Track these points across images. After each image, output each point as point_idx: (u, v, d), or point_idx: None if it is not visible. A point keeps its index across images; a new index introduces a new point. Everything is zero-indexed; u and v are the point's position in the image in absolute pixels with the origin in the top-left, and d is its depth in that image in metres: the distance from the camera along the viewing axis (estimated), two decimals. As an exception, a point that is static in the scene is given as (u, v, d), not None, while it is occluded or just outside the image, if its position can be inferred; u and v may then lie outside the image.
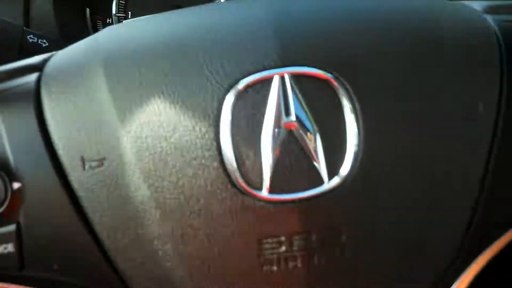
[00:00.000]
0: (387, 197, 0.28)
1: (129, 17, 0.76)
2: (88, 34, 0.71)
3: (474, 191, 0.29)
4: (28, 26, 0.63)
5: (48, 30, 0.63)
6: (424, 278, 0.31)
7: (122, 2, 0.75)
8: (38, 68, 0.30)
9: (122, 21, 0.77)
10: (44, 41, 0.49)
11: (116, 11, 0.75)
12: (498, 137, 0.29)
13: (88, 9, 0.73)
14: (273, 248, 0.28)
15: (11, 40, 0.45)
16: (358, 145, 0.27)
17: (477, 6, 0.33)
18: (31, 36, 0.48)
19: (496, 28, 0.30)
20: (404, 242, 0.29)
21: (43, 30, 0.63)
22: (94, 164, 0.28)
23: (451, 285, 0.32)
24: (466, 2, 0.34)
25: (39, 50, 0.47)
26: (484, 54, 0.29)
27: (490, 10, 0.32)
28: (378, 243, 0.29)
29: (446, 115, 0.28)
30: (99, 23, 0.75)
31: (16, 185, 0.28)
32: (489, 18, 0.31)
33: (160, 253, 0.28)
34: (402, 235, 0.29)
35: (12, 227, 0.29)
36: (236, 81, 0.27)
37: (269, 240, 0.28)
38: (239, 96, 0.27)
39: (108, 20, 0.76)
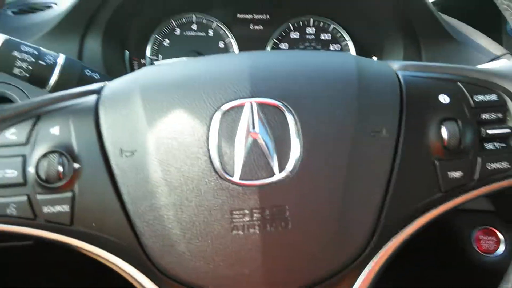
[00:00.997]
0: (318, 187, 0.38)
1: (160, 59, 0.88)
2: (126, 72, 0.84)
3: (382, 188, 0.39)
4: None
5: (96, 68, 0.70)
6: (347, 253, 0.39)
7: (154, 47, 0.88)
8: (97, 92, 0.42)
9: (154, 63, 0.88)
10: (97, 74, 0.59)
11: (150, 54, 0.88)
12: (399, 148, 0.40)
13: (127, 51, 0.84)
14: (240, 218, 0.38)
15: (73, 72, 0.56)
16: (299, 150, 0.38)
17: (395, 64, 0.44)
18: (88, 70, 0.58)
19: (402, 80, 0.42)
20: (330, 221, 0.38)
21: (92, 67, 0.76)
22: (128, 153, 0.39)
23: (369, 260, 0.40)
24: (388, 62, 0.46)
25: (93, 81, 0.56)
26: (390, 97, 0.41)
27: (402, 68, 0.44)
28: (312, 220, 0.38)
29: (358, 133, 0.39)
30: (135, 63, 0.87)
31: (76, 165, 0.39)
32: (399, 73, 0.43)
33: (165, 217, 0.38)
34: (329, 216, 0.38)
35: (69, 194, 0.38)
36: (222, 105, 0.39)
37: (238, 212, 0.38)
38: (223, 115, 0.38)
39: (142, 61, 0.88)
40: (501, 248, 0.78)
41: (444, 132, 0.40)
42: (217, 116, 0.38)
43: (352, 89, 0.40)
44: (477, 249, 0.79)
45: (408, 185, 0.40)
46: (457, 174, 0.41)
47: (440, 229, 0.80)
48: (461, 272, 0.87)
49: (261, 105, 0.39)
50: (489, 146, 0.42)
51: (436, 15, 0.75)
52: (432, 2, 0.89)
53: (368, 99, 0.40)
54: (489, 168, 0.41)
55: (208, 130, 0.38)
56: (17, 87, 0.71)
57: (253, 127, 0.38)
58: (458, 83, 0.43)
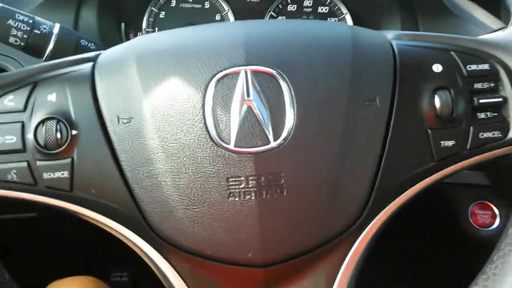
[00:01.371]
0: (312, 155, 0.39)
1: (156, 32, 0.87)
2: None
3: (375, 156, 0.40)
4: None
5: (91, 38, 0.70)
6: (341, 220, 0.40)
7: (150, 20, 0.87)
8: (93, 59, 0.42)
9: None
10: (92, 44, 0.59)
11: (145, 27, 0.87)
12: (393, 117, 0.40)
13: (123, 24, 0.84)
14: (236, 185, 0.38)
15: (69, 42, 0.56)
16: (293, 117, 0.38)
17: (389, 33, 0.45)
18: (83, 40, 0.59)
19: (396, 49, 0.42)
20: (325, 188, 0.39)
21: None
22: (125, 120, 0.39)
23: (364, 228, 0.41)
24: (383, 31, 0.46)
25: (88, 51, 0.58)
26: (384, 66, 0.41)
27: (396, 37, 0.44)
28: (307, 187, 0.39)
29: (352, 101, 0.39)
30: (131, 36, 0.86)
31: (74, 132, 0.39)
32: (393, 42, 0.43)
33: (162, 183, 0.39)
34: (323, 183, 0.39)
35: (68, 160, 0.39)
36: (217, 72, 0.39)
37: (234, 179, 0.38)
38: (218, 82, 0.39)
39: (138, 34, 0.87)
40: (497, 222, 0.80)
41: (437, 101, 0.41)
42: (212, 83, 0.39)
43: (346, 57, 0.40)
44: (473, 223, 0.81)
45: (401, 154, 0.41)
46: (449, 143, 0.41)
47: (437, 203, 0.81)
48: (457, 245, 0.89)
49: (255, 73, 0.39)
50: (481, 115, 0.42)
51: None
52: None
53: (362, 68, 0.40)
54: (481, 137, 0.42)
55: (204, 98, 0.39)
56: (13, 58, 0.71)
57: (248, 95, 0.39)
58: (452, 53, 0.43)
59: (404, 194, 0.42)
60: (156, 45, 0.43)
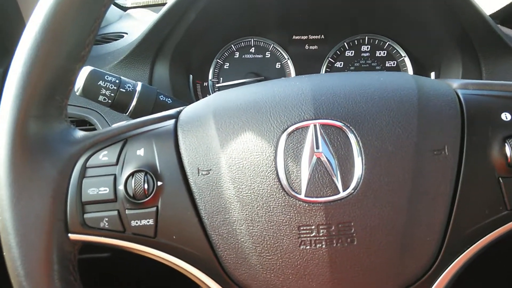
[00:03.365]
0: (381, 205, 0.40)
1: (221, 81, 0.94)
2: (190, 93, 0.90)
3: (446, 206, 0.40)
4: None
5: (164, 90, 0.76)
6: (412, 270, 0.40)
7: (216, 70, 0.94)
8: (175, 116, 0.46)
9: (215, 85, 0.94)
10: (169, 99, 0.65)
11: (211, 77, 0.94)
12: (463, 166, 0.40)
13: (191, 75, 0.91)
14: (307, 234, 0.40)
15: (149, 98, 0.62)
16: (362, 169, 0.40)
17: (454, 82, 0.45)
18: (162, 96, 0.64)
19: (462, 98, 0.43)
20: (395, 238, 0.40)
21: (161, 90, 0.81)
22: (204, 172, 0.42)
23: (435, 279, 0.41)
24: (447, 80, 0.46)
25: (166, 105, 0.64)
26: (451, 115, 0.41)
27: (462, 86, 0.44)
28: (376, 237, 0.40)
29: (420, 151, 0.40)
30: (198, 85, 0.93)
31: (159, 183, 0.42)
32: (459, 91, 0.44)
33: (237, 231, 0.41)
34: (394, 234, 0.40)
35: (153, 209, 0.42)
36: (288, 127, 0.41)
37: (305, 228, 0.40)
38: (289, 136, 0.41)
39: (205, 84, 0.94)
40: None
41: (508, 150, 0.41)
42: (283, 137, 0.41)
43: (412, 108, 0.42)
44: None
45: (473, 203, 0.41)
46: None
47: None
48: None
49: (324, 126, 0.41)
50: None
51: (494, 28, 0.74)
52: (491, 15, 0.88)
53: (428, 118, 0.41)
54: None
55: (276, 150, 0.41)
56: (95, 111, 0.78)
57: (317, 147, 0.41)
58: None
59: (476, 243, 0.41)
60: (231, 103, 0.46)
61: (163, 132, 0.45)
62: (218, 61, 0.94)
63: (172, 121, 0.46)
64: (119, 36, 0.97)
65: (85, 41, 0.43)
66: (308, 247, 0.40)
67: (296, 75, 0.93)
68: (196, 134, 0.44)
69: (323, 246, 0.40)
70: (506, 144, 0.41)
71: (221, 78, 0.95)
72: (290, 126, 0.42)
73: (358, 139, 0.40)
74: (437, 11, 0.76)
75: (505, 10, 0.89)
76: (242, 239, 0.41)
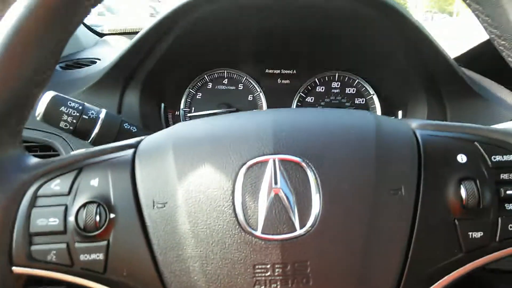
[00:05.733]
0: (338, 244, 0.39)
1: (193, 111, 0.94)
2: (160, 122, 0.89)
3: (402, 247, 0.40)
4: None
5: (133, 119, 0.78)
6: None
7: (188, 100, 0.94)
8: (135, 146, 0.45)
9: (187, 114, 0.94)
10: (134, 127, 0.64)
11: (183, 107, 0.94)
12: (419, 207, 0.40)
13: (163, 104, 0.90)
14: (262, 273, 0.39)
15: (113, 126, 0.61)
16: (319, 206, 0.39)
17: (413, 122, 0.46)
18: (126, 124, 0.63)
19: (420, 139, 0.43)
20: (351, 279, 0.39)
21: (129, 119, 0.75)
22: (160, 205, 0.41)
23: None
24: (407, 120, 0.47)
25: (130, 133, 0.63)
26: (409, 155, 0.42)
27: (420, 126, 0.45)
28: (333, 277, 0.39)
29: (377, 190, 0.40)
30: (170, 115, 0.93)
31: (112, 215, 0.41)
32: (417, 132, 0.44)
33: (191, 268, 0.39)
34: (350, 274, 0.39)
35: (104, 243, 0.40)
36: (247, 161, 0.41)
37: (260, 266, 0.39)
38: (248, 170, 0.40)
39: (177, 113, 0.94)
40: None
41: (463, 192, 0.41)
42: (242, 171, 0.41)
43: (370, 147, 0.42)
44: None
45: (429, 245, 0.40)
46: (478, 234, 0.41)
47: None
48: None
49: (283, 162, 0.41)
50: (509, 206, 0.42)
51: (457, 71, 0.76)
52: (456, 58, 0.91)
53: (386, 157, 0.41)
54: (510, 229, 0.41)
55: (234, 185, 0.40)
56: (60, 136, 0.76)
57: (276, 183, 0.40)
58: (476, 143, 0.43)
59: (433, 286, 0.41)
60: (191, 134, 0.45)
61: (120, 162, 0.44)
62: (190, 91, 0.95)
63: (131, 151, 0.45)
64: (92, 62, 0.96)
65: (46, 66, 0.42)
66: (263, 287, 0.39)
67: (268, 108, 0.94)
68: (153, 165, 0.43)
69: (278, 287, 0.39)
70: (461, 186, 0.41)
71: (193, 108, 0.95)
72: (249, 160, 0.41)
73: (317, 176, 0.40)
74: (404, 52, 0.79)
75: (469, 54, 0.93)
76: (196, 277, 0.40)
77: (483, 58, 0.91)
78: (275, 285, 0.39)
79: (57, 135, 0.77)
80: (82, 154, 0.45)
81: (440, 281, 0.41)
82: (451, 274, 0.41)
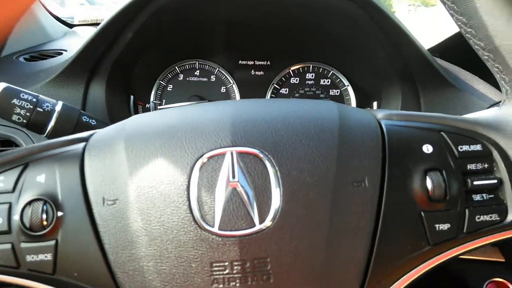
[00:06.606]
0: (299, 239, 0.37)
1: (163, 104, 0.91)
2: (130, 116, 0.86)
3: (367, 240, 0.38)
4: (84, 109, 0.76)
5: (99, 112, 0.76)
6: None
7: (158, 92, 0.91)
8: (86, 139, 0.42)
9: (157, 107, 0.91)
10: (94, 120, 0.61)
11: (153, 99, 0.91)
12: (384, 199, 0.39)
13: (132, 96, 0.87)
14: (220, 271, 0.37)
15: (70, 119, 0.58)
16: (279, 200, 0.37)
17: (379, 113, 0.44)
18: (85, 117, 0.60)
19: (385, 129, 0.41)
20: (314, 276, 0.37)
21: (95, 112, 0.75)
22: (110, 202, 0.38)
23: None
24: (372, 110, 0.45)
25: (89, 127, 0.60)
26: (372, 146, 0.40)
27: (386, 117, 0.43)
28: (294, 274, 0.37)
29: (339, 182, 0.38)
30: (140, 107, 0.90)
31: (60, 213, 0.38)
32: (382, 122, 0.42)
33: (145, 268, 0.37)
34: (312, 271, 0.37)
35: (52, 242, 0.38)
36: (203, 154, 0.38)
37: (218, 264, 0.37)
38: (204, 164, 0.38)
39: (147, 106, 0.90)
40: (514, 301, 0.75)
41: (429, 183, 0.40)
42: (198, 165, 0.38)
43: (332, 138, 0.40)
44: (489, 302, 0.76)
45: (394, 237, 0.39)
46: (445, 226, 0.40)
47: (450, 280, 0.77)
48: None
49: (241, 154, 0.39)
50: (477, 197, 0.41)
51: (431, 62, 0.75)
52: (430, 49, 0.90)
53: (349, 148, 0.40)
54: (477, 220, 0.40)
55: (189, 179, 0.38)
56: (21, 130, 0.73)
57: (233, 176, 0.38)
58: (442, 133, 0.42)
59: (399, 280, 0.40)
60: (145, 126, 0.43)
61: (69, 156, 0.41)
62: (161, 83, 0.92)
63: (81, 145, 0.42)
64: (58, 53, 0.92)
65: None
66: (221, 285, 0.37)
67: None
68: (104, 159, 0.40)
69: (237, 285, 0.37)
70: (427, 176, 0.40)
71: (164, 101, 0.92)
72: (205, 153, 0.39)
73: (276, 168, 0.38)
74: (379, 43, 0.78)
75: (444, 44, 0.92)
76: (150, 277, 0.38)
77: (457, 48, 0.90)
78: (234, 283, 0.37)
79: (19, 129, 0.73)
80: (29, 149, 0.42)
81: (408, 274, 0.40)
82: (418, 267, 0.40)
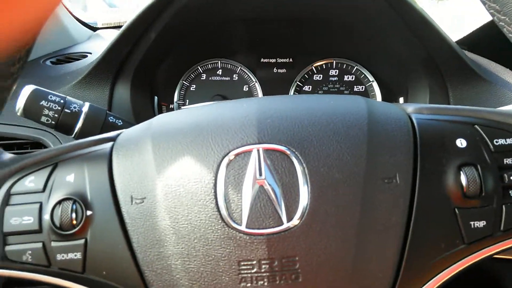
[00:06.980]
0: (329, 238, 0.36)
1: (187, 104, 0.92)
2: (154, 116, 0.86)
3: (399, 239, 0.37)
4: (110, 110, 0.77)
5: (125, 113, 0.77)
6: None
7: (182, 92, 0.91)
8: (113, 139, 0.42)
9: (181, 107, 0.92)
10: (120, 121, 0.61)
11: (177, 99, 0.91)
12: (416, 196, 0.37)
13: (156, 97, 0.88)
14: (248, 269, 0.36)
15: (97, 119, 0.59)
16: (307, 197, 0.36)
17: (409, 107, 0.43)
18: (111, 117, 0.61)
19: (416, 123, 0.40)
20: (344, 275, 0.36)
21: (121, 113, 0.76)
22: (138, 201, 0.38)
23: None
24: (402, 104, 0.44)
25: (115, 127, 0.61)
26: (403, 141, 0.39)
27: (416, 110, 0.42)
28: (323, 273, 0.36)
29: (369, 179, 0.37)
30: (164, 108, 0.90)
31: (89, 212, 0.39)
32: (413, 116, 0.41)
33: (172, 266, 0.37)
34: (342, 270, 0.36)
35: (81, 241, 0.38)
36: (229, 151, 0.38)
37: (245, 263, 0.36)
38: (230, 161, 0.38)
39: (171, 106, 0.91)
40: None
41: (463, 179, 0.38)
42: (224, 162, 0.38)
43: (361, 133, 0.39)
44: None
45: (427, 235, 0.38)
46: (480, 223, 0.38)
47: (486, 281, 0.75)
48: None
49: (267, 151, 0.38)
50: None
51: (460, 54, 0.73)
52: (459, 41, 0.87)
53: (378, 144, 0.38)
54: None
55: (215, 177, 0.38)
56: (50, 132, 0.75)
57: (260, 174, 0.37)
58: (476, 126, 0.40)
59: (432, 280, 0.38)
60: (171, 125, 0.43)
61: (97, 156, 0.41)
62: (184, 83, 0.92)
63: (109, 145, 0.42)
64: (82, 56, 0.94)
65: (15, 57, 0.39)
66: (249, 284, 0.37)
67: None
68: (131, 158, 0.40)
69: (265, 284, 0.36)
70: (461, 172, 0.38)
71: (188, 100, 0.93)
72: (232, 150, 0.38)
73: (304, 165, 0.37)
74: (403, 37, 0.76)
75: (472, 36, 0.89)
76: (178, 276, 0.37)
77: (486, 40, 0.87)
78: (262, 282, 0.36)
79: (47, 131, 0.75)
80: (58, 149, 0.43)
81: (441, 274, 0.38)
82: (452, 267, 0.38)
